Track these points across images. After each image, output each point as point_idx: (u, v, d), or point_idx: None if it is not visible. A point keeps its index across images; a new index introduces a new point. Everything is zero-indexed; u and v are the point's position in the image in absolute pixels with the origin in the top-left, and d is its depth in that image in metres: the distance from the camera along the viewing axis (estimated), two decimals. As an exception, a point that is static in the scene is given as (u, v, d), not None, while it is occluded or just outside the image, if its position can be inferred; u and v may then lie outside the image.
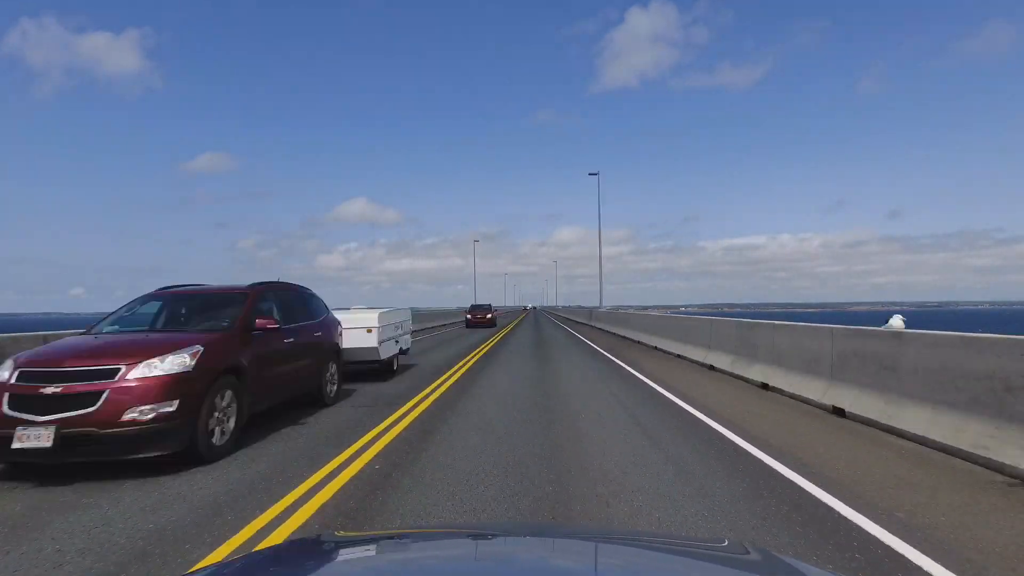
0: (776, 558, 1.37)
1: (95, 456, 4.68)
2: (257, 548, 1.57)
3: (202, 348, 5.32)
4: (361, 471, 4.81)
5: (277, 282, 7.75)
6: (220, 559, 3.14)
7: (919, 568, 3.06)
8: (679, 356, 13.68)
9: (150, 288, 7.89)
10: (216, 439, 5.33)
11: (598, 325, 30.81)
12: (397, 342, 11.41)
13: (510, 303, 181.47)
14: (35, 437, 4.55)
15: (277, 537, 3.54)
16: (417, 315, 24.08)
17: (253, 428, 6.39)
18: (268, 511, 3.96)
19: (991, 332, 5.33)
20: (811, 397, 7.52)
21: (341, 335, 8.90)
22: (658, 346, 16.16)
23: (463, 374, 11.33)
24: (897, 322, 15.47)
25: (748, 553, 1.44)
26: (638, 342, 18.76)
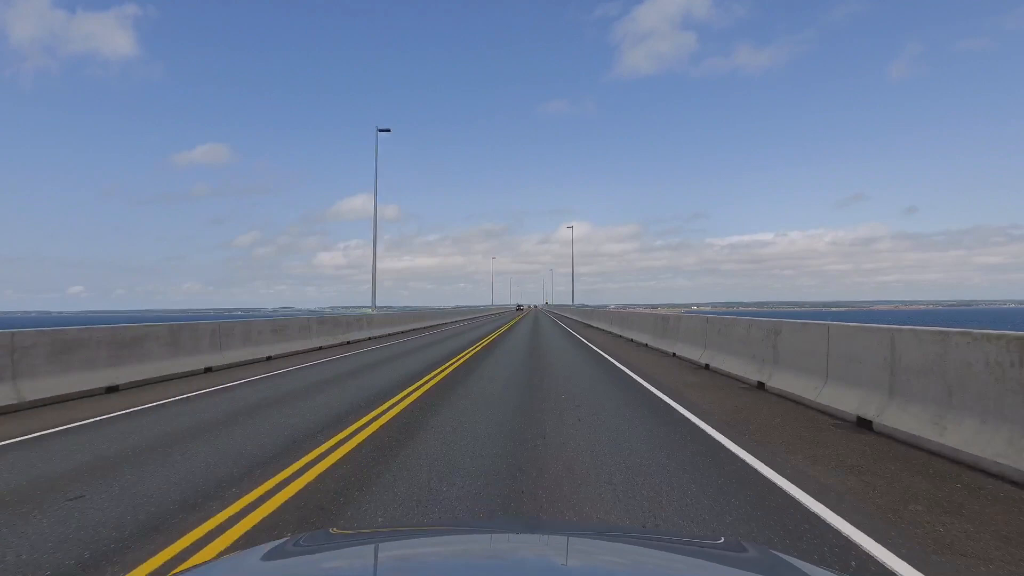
0: (773, 555, 1.44)
1: (521, 311, 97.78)
2: (254, 546, 1.58)
3: (523, 306, 74.68)
4: (519, 320, 39.01)
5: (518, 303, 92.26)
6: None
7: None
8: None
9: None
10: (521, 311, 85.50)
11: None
12: (523, 307, 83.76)
13: (500, 301, 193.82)
14: (520, 309, 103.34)
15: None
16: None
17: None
18: (514, 320, 40.86)
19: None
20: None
21: (523, 306, 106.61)
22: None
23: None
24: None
25: (746, 550, 1.53)
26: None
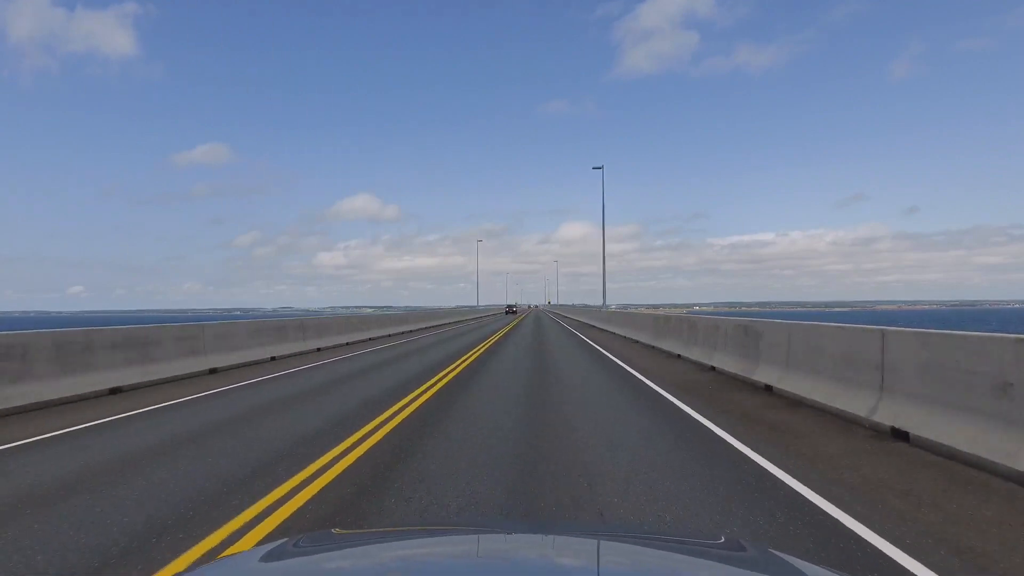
0: (773, 555, 1.45)
1: (513, 314, 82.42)
2: (255, 546, 1.68)
3: (517, 307, 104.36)
4: (522, 319, 39.77)
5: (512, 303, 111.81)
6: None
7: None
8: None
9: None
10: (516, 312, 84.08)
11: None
12: (516, 309, 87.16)
13: (498, 301, 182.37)
14: (511, 311, 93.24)
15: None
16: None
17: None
18: (515, 320, 40.49)
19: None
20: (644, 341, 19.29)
21: (516, 307, 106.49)
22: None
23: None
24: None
25: (745, 550, 1.55)
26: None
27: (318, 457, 5.66)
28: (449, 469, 5.24)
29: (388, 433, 6.66)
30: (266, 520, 4.09)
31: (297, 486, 4.81)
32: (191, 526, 4.02)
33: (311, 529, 3.97)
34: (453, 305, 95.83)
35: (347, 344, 20.85)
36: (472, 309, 78.39)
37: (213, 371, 12.38)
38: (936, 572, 3.37)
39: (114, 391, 9.74)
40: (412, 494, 4.61)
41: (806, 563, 1.35)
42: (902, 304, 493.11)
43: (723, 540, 1.71)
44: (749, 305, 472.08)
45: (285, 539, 1.57)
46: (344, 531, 2.73)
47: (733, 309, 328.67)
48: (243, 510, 4.31)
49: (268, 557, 1.41)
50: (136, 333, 10.88)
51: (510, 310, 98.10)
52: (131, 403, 8.88)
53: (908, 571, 3.39)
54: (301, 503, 4.42)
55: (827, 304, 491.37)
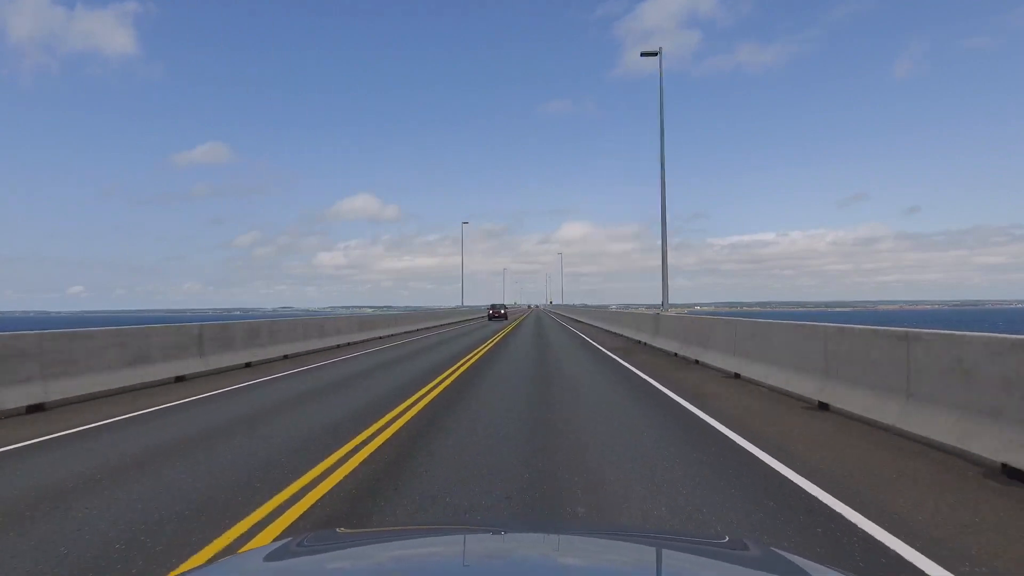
0: (776, 554, 1.45)
1: (501, 320, 57.39)
2: (257, 545, 1.78)
3: (505, 309, 69.74)
4: (514, 327, 37.09)
5: (501, 303, 75.90)
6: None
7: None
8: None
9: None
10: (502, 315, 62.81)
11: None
12: (505, 311, 68.33)
13: (491, 301, 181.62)
14: (497, 315, 63.02)
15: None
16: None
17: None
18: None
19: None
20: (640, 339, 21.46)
21: (506, 308, 72.59)
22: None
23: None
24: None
25: (748, 549, 1.54)
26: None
27: (412, 394, 9.14)
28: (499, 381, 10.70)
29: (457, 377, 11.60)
30: (395, 422, 7.02)
31: (408, 407, 8.04)
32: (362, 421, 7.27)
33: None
34: (453, 305, 75.13)
35: (365, 340, 23.62)
36: (472, 309, 69.62)
37: (286, 356, 17.00)
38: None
39: (248, 365, 14.56)
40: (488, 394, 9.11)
41: (810, 562, 1.35)
42: (903, 304, 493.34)
43: (727, 539, 1.71)
44: (749, 305, 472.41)
45: (289, 538, 1.57)
46: (349, 530, 2.73)
47: (733, 309, 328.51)
48: (383, 416, 7.47)
49: (272, 556, 1.40)
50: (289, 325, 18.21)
51: (496, 313, 62.17)
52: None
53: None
54: (420, 408, 7.75)
55: (827, 304, 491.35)
